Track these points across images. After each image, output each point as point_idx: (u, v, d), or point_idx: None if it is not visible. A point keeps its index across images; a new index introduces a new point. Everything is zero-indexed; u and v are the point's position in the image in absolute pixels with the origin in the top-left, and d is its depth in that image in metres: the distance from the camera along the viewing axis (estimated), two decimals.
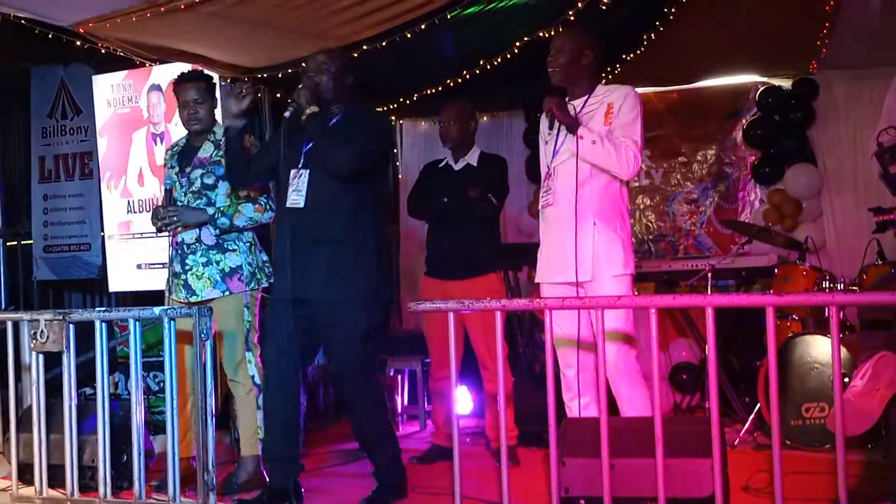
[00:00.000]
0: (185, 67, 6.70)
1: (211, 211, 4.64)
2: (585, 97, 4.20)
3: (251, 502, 4.24)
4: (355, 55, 6.24)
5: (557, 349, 4.04)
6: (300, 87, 4.28)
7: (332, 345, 4.38)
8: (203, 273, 4.66)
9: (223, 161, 4.65)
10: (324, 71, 4.33)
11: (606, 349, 3.92)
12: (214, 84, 4.88)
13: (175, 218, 4.60)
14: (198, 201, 4.69)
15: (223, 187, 4.72)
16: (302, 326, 4.27)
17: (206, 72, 5.02)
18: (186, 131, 4.86)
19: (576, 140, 4.03)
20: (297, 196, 4.28)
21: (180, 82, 4.78)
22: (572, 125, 4.06)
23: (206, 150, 4.77)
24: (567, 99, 4.27)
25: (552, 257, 4.17)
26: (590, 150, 4.01)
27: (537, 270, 4.32)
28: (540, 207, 4.31)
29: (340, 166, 4.20)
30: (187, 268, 4.67)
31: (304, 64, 4.48)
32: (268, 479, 4.40)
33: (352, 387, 4.36)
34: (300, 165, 4.32)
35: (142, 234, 7.31)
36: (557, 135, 4.20)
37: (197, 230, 4.68)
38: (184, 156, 4.83)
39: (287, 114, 4.29)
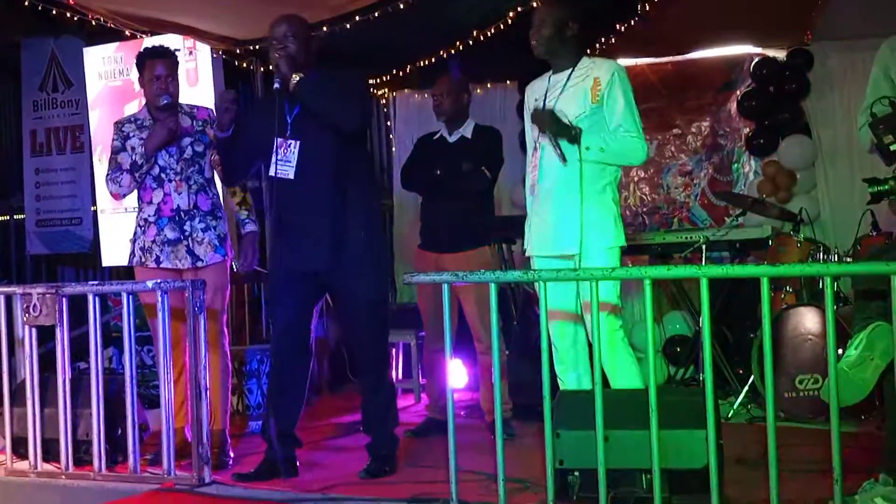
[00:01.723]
0: (177, 39, 6.69)
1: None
2: (570, 70, 4.16)
3: (250, 476, 4.23)
4: (347, 26, 6.21)
5: (550, 321, 4.03)
6: (276, 56, 4.23)
7: (348, 312, 4.36)
8: (203, 238, 4.64)
9: (206, 131, 4.69)
10: (292, 39, 4.27)
11: (591, 321, 3.93)
12: (178, 63, 4.82)
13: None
14: (191, 168, 4.67)
15: (209, 156, 4.72)
16: (307, 296, 4.30)
17: (174, 49, 4.94)
18: (152, 106, 4.72)
19: (577, 149, 4.00)
20: (285, 167, 4.26)
21: (151, 56, 4.70)
22: (573, 137, 4.00)
23: (186, 121, 4.72)
24: (551, 72, 4.24)
25: (544, 231, 4.14)
26: (600, 157, 3.99)
27: (527, 244, 4.29)
28: (529, 184, 4.27)
29: (350, 124, 4.21)
30: (186, 234, 4.64)
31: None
32: (267, 453, 4.37)
33: (365, 354, 4.39)
34: (287, 135, 4.28)
35: (135, 208, 7.28)
36: (544, 108, 4.16)
37: (193, 196, 4.66)
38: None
39: (277, 85, 4.24)
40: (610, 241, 4.06)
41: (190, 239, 4.64)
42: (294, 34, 4.28)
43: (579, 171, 4.00)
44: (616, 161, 4.04)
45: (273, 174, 4.28)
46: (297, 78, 4.19)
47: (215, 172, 4.80)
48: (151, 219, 4.69)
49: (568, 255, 4.06)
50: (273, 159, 4.28)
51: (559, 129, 4.02)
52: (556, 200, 4.07)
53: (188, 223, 4.65)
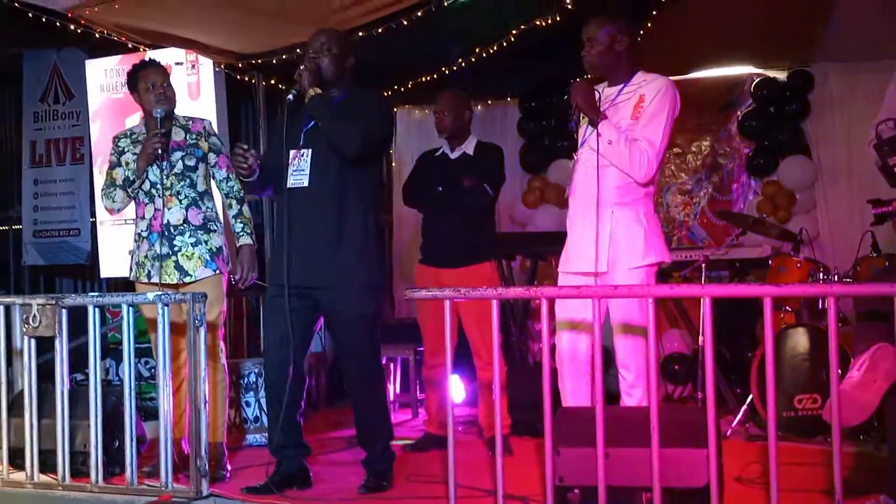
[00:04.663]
0: (179, 52, 6.70)
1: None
2: (622, 85, 4.12)
3: (260, 488, 4.20)
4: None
5: (560, 333, 4.01)
6: (301, 68, 4.25)
7: (338, 328, 4.35)
8: (193, 253, 4.63)
9: (199, 144, 4.69)
10: (325, 52, 4.29)
11: (621, 341, 3.93)
12: (169, 74, 4.85)
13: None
14: (181, 183, 4.66)
15: (202, 169, 4.71)
16: (303, 311, 4.27)
17: (176, 62, 4.97)
18: (151, 115, 4.66)
19: (595, 135, 3.98)
20: (300, 176, 4.26)
21: (146, 67, 4.73)
22: (595, 119, 4.00)
23: (179, 134, 4.72)
24: (606, 84, 4.21)
25: (572, 247, 4.13)
26: (605, 149, 3.95)
27: (560, 259, 4.27)
28: (566, 196, 4.27)
29: (349, 147, 4.18)
30: (176, 249, 4.63)
31: (305, 45, 4.44)
32: (276, 467, 4.35)
33: (357, 370, 4.35)
34: (301, 145, 4.30)
35: (133, 219, 7.27)
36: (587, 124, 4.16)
37: (184, 211, 4.65)
38: None
39: (290, 96, 4.26)
40: (637, 261, 3.98)
41: (179, 254, 4.63)
42: (329, 49, 4.29)
43: (596, 185, 3.99)
44: (619, 163, 3.97)
45: (289, 185, 4.27)
46: (313, 93, 4.20)
47: (213, 184, 4.80)
48: (144, 234, 4.71)
49: (592, 273, 4.00)
50: (288, 172, 4.28)
51: (585, 105, 4.00)
52: (586, 216, 4.06)
53: (178, 238, 4.64)
